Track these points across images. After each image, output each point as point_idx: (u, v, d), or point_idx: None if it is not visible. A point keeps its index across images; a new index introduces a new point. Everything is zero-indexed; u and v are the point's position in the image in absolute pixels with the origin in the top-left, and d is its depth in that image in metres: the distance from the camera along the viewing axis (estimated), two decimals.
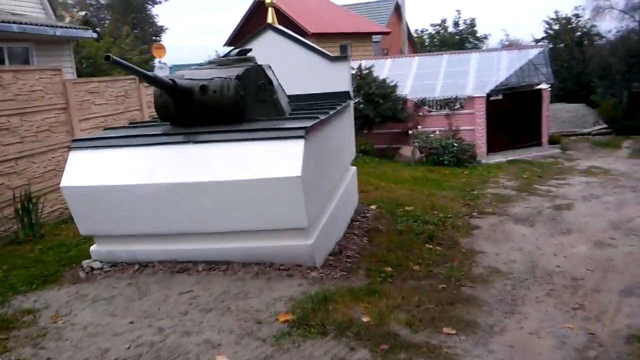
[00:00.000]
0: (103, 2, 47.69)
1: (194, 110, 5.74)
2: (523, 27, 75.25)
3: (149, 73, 5.21)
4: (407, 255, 6.71)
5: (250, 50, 6.73)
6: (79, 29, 14.30)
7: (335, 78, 8.45)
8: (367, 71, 18.73)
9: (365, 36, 27.89)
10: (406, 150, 18.08)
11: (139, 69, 5.15)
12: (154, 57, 22.38)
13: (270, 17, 8.83)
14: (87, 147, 5.67)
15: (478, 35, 42.69)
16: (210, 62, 6.29)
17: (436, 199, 10.77)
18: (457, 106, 18.81)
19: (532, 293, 5.70)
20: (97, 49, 23.44)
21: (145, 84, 10.49)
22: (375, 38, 30.28)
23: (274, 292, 4.93)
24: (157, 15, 54.07)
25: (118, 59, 4.66)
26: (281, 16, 26.62)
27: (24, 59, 12.86)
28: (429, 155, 16.97)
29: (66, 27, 13.46)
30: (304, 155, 5.06)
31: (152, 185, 5.31)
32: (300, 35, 24.72)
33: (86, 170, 5.55)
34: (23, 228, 7.30)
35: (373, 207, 9.27)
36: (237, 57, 6.45)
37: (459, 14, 45.24)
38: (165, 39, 46.40)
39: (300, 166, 4.99)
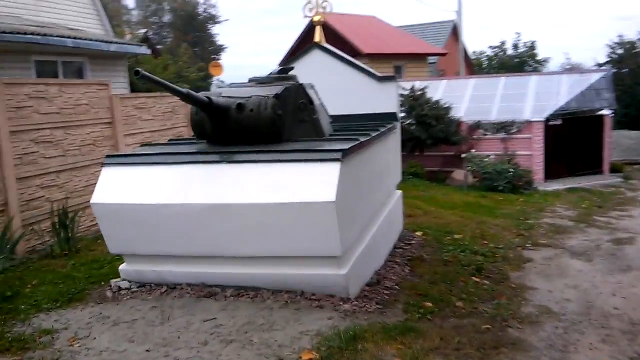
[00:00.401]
0: (165, 21, 49.12)
1: (230, 129, 5.53)
2: (585, 50, 73.36)
3: (182, 89, 5.03)
4: (451, 289, 6.28)
5: (291, 68, 6.50)
6: (133, 45, 14.52)
7: (382, 99, 8.14)
8: (420, 92, 18.33)
9: (420, 57, 27.49)
10: (458, 174, 17.53)
11: (170, 84, 4.97)
12: (212, 75, 22.68)
13: (318, 35, 8.61)
14: (119, 164, 5.53)
15: (538, 58, 41.61)
16: (250, 80, 6.04)
17: (487, 227, 10.25)
18: (514, 130, 18.15)
19: (585, 338, 5.17)
20: (155, 65, 23.93)
21: None
22: (431, 60, 29.83)
23: (301, 325, 4.60)
24: (217, 34, 55.08)
25: (148, 74, 4.49)
26: (335, 36, 26.57)
27: (79, 74, 13.08)
28: (482, 180, 16.36)
29: (120, 43, 13.65)
30: (340, 179, 4.75)
31: (183, 205, 5.10)
32: (354, 56, 24.54)
33: (117, 187, 5.40)
34: (59, 242, 7.23)
35: (419, 233, 8.86)
36: (277, 75, 6.23)
37: (519, 36, 44.17)
38: (224, 58, 47.24)
39: (334, 191, 4.68)
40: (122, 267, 5.78)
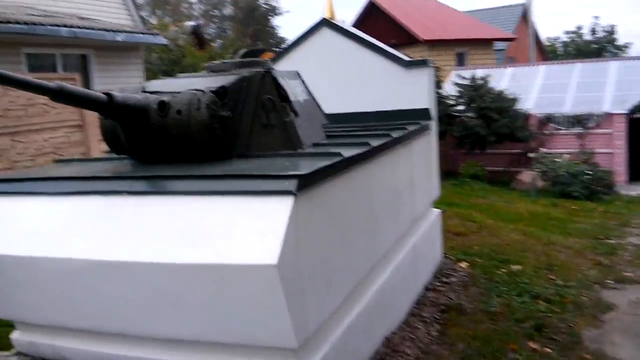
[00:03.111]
0: (226, 13, 48.16)
1: (151, 139, 3.72)
2: None
3: (49, 84, 3.21)
4: None
5: (262, 50, 4.64)
6: (146, 34, 12.97)
7: (410, 90, 6.14)
8: (481, 81, 16.04)
9: (485, 43, 24.93)
10: (526, 176, 15.14)
11: (28, 79, 3.18)
12: None
13: (328, 9, 6.65)
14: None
15: (618, 43, 37.94)
16: (206, 68, 4.19)
17: (556, 251, 8.03)
18: (592, 124, 15.56)
19: None
20: (199, 57, 22.60)
21: None
22: (499, 46, 27.18)
23: None
24: (278, 26, 53.77)
25: None
26: (389, 21, 24.44)
27: (82, 67, 11.64)
28: (553, 184, 13.95)
29: (129, 32, 12.11)
30: (291, 225, 2.85)
31: (62, 260, 3.32)
32: (411, 43, 22.56)
33: None
34: None
35: (464, 265, 6.81)
36: (240, 60, 4.37)
37: (597, 19, 40.50)
38: None
39: (278, 247, 2.77)
40: (14, 335, 4.09)
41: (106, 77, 12.03)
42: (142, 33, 12.87)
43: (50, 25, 10.11)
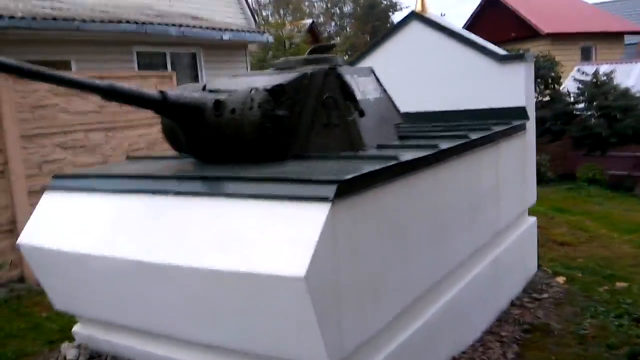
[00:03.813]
0: (346, 11, 48.40)
1: (208, 138, 3.66)
2: None
3: (99, 82, 3.20)
4: None
5: (333, 46, 4.44)
6: (253, 32, 13.18)
7: (504, 87, 5.69)
8: (604, 78, 14.82)
9: (614, 37, 23.10)
10: None
11: (79, 78, 3.19)
12: None
13: (420, 2, 6.31)
14: (63, 188, 3.91)
15: None
16: (273, 65, 4.10)
17: None
18: None
19: None
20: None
21: None
22: (630, 40, 25.09)
23: None
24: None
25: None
26: (509, 13, 23.28)
27: (192, 65, 12.02)
28: None
29: (236, 31, 12.32)
30: (324, 234, 2.64)
31: (107, 258, 3.32)
32: (532, 37, 21.39)
33: (50, 222, 3.78)
34: None
35: (561, 279, 6.23)
36: (305, 57, 4.21)
37: None
38: None
39: (307, 258, 2.58)
40: (75, 328, 4.19)
41: (215, 75, 12.35)
42: (249, 31, 13.10)
43: (159, 24, 10.51)
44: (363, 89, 4.15)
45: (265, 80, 3.69)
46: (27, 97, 5.87)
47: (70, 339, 4.20)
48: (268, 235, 2.77)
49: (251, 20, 16.05)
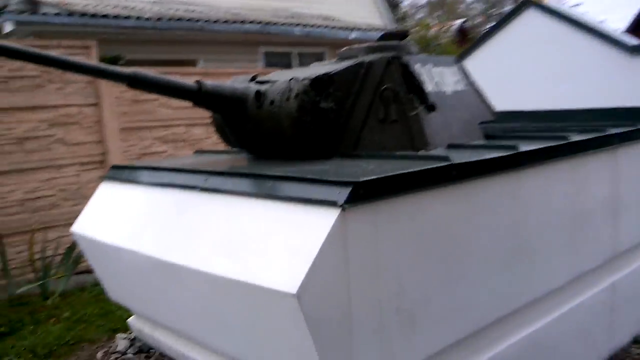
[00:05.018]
0: (503, 11, 46.46)
1: (249, 132, 3.35)
2: None
3: (123, 70, 2.97)
4: None
5: (407, 32, 3.92)
6: (382, 30, 12.75)
7: (634, 82, 4.76)
8: None
9: None
10: None
11: (102, 66, 3.01)
12: None
13: None
14: (117, 179, 3.80)
15: None
16: (338, 55, 3.71)
17: None
18: None
19: None
20: (454, 53, 22.05)
21: None
22: None
23: None
24: None
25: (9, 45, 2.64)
26: None
27: None
28: None
29: (363, 30, 11.97)
30: (330, 245, 2.19)
31: (134, 253, 3.13)
32: None
33: (102, 212, 3.71)
34: None
35: None
36: (372, 44, 3.74)
37: None
38: None
39: (303, 272, 2.14)
40: (131, 320, 4.09)
41: None
42: (378, 30, 12.69)
43: (283, 25, 10.48)
44: (438, 80, 3.60)
45: (318, 70, 3.30)
46: (126, 91, 5.97)
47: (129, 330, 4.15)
48: (273, 241, 2.39)
49: (388, 20, 15.69)
